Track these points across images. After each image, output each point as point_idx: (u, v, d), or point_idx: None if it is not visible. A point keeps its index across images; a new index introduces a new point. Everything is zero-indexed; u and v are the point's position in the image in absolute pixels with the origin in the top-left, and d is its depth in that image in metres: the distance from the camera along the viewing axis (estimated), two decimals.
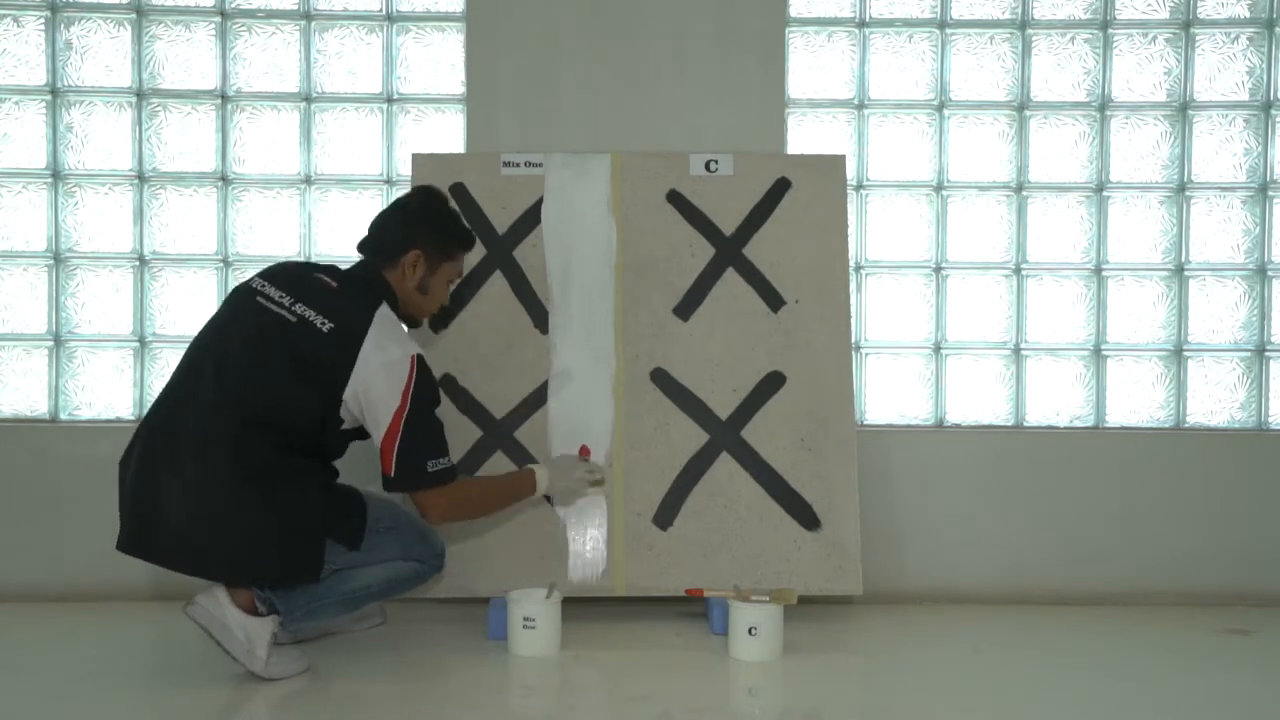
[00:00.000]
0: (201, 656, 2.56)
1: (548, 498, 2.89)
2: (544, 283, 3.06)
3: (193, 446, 2.35)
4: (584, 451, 2.89)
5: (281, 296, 2.45)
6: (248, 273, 2.89)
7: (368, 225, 2.65)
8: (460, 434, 2.96)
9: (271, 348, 2.39)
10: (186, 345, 2.50)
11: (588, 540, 2.95)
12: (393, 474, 2.45)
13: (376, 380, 2.40)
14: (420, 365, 2.45)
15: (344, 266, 2.60)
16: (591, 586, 2.92)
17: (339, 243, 3.26)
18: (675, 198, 3.10)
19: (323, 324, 2.41)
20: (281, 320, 2.41)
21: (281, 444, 2.38)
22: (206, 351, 2.43)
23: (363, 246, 2.62)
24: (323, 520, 2.43)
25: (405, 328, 2.60)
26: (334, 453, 2.53)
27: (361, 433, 2.52)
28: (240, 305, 2.48)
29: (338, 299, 2.46)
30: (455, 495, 2.54)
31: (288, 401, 2.38)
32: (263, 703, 2.36)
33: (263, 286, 2.48)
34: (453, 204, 2.71)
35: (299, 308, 2.42)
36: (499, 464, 2.96)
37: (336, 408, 2.42)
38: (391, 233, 2.59)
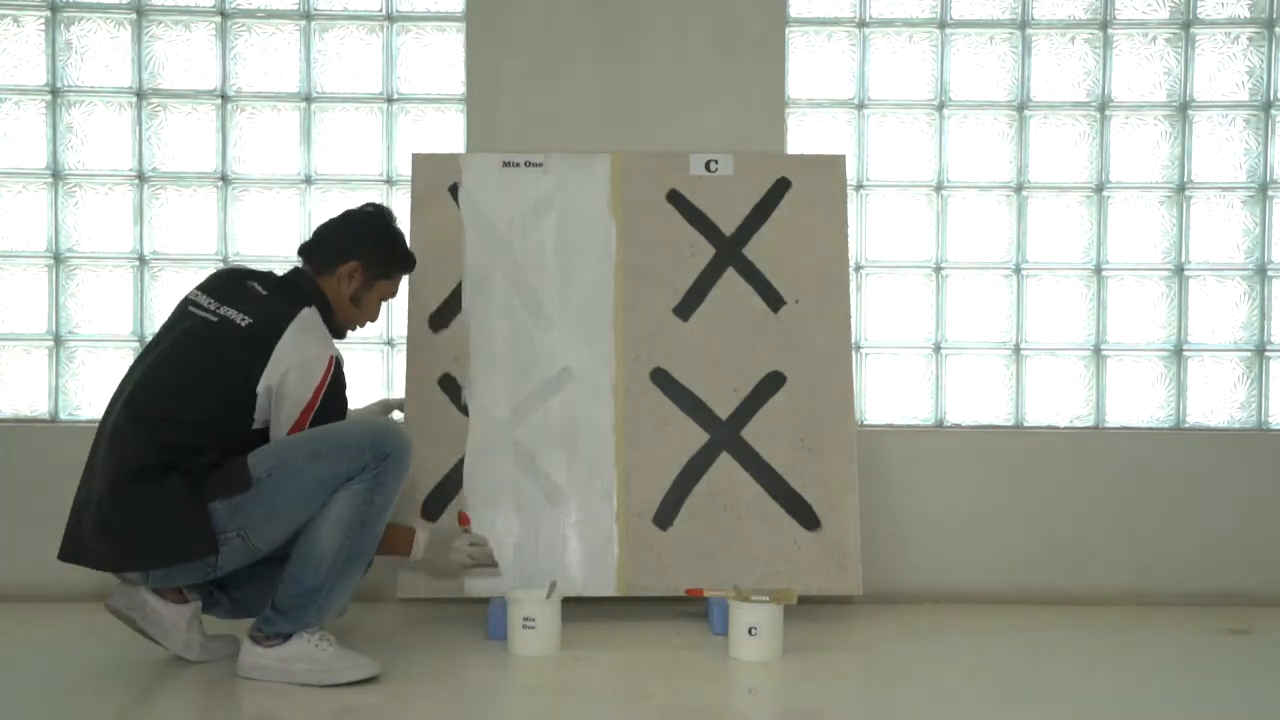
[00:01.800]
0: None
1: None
2: (544, 283, 3.06)
3: (104, 456, 2.42)
4: (463, 520, 2.79)
5: (209, 302, 2.50)
6: None
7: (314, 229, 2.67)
8: (461, 434, 2.96)
9: (188, 347, 2.44)
10: None
11: (588, 540, 2.94)
12: None
13: (291, 376, 2.41)
14: (336, 368, 2.48)
15: (281, 272, 2.62)
16: (591, 586, 2.92)
17: None
18: (675, 198, 3.10)
19: (241, 320, 2.45)
20: (204, 321, 2.47)
21: (177, 445, 2.37)
22: (134, 363, 2.54)
23: (303, 249, 2.63)
24: (200, 488, 2.35)
25: (329, 333, 2.56)
26: (243, 447, 2.45)
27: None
28: (174, 316, 2.54)
29: (263, 304, 2.49)
30: None
31: (190, 400, 2.39)
32: (264, 703, 2.35)
33: (196, 296, 2.54)
34: (398, 224, 2.71)
35: (224, 310, 2.47)
36: (498, 465, 2.96)
37: (251, 402, 2.42)
38: (334, 241, 2.61)
